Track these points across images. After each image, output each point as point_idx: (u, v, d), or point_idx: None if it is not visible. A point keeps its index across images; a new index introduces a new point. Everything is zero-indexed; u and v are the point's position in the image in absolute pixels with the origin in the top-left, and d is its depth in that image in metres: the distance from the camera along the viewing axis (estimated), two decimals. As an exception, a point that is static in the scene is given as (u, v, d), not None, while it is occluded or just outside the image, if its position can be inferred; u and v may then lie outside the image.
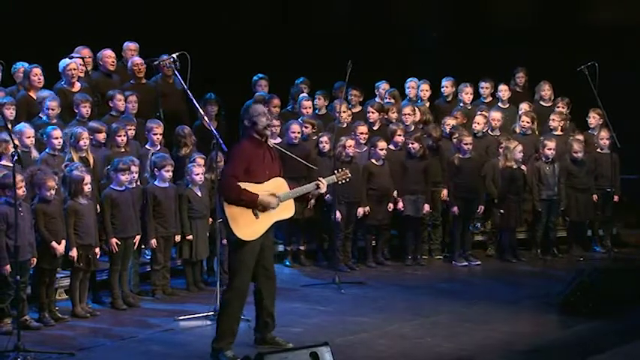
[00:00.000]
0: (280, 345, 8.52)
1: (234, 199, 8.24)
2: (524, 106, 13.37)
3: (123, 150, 10.83)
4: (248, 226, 8.30)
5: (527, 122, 13.07)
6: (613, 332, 9.18)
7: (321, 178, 8.75)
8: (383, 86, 13.71)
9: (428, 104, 13.62)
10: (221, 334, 8.44)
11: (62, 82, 11.73)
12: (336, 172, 8.95)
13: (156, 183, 10.58)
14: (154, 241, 10.52)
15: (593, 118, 13.29)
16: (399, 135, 12.36)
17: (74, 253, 9.65)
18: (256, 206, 8.29)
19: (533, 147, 12.86)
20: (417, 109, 13.08)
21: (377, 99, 13.48)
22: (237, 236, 8.26)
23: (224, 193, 8.31)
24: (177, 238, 10.73)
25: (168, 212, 10.60)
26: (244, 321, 9.56)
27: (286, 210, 8.54)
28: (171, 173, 10.62)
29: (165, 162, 10.57)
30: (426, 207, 12.18)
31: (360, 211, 12.05)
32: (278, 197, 8.41)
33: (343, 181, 8.97)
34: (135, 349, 8.84)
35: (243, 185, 8.28)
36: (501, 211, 12.45)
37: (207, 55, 12.31)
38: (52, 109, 10.91)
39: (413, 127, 12.76)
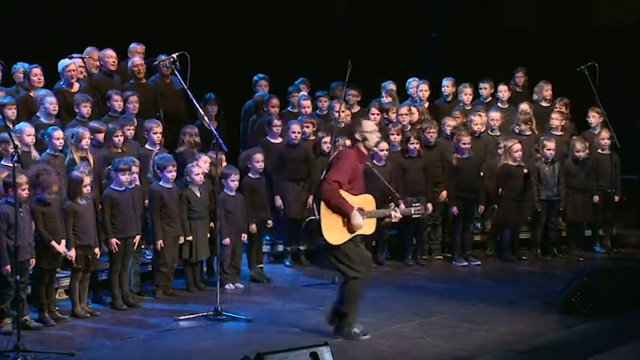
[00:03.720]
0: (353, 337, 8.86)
1: (333, 205, 8.65)
2: (523, 106, 13.38)
3: (120, 150, 10.83)
4: (334, 231, 8.70)
5: (526, 122, 13.07)
6: (613, 332, 9.17)
7: (396, 208, 9.11)
8: (389, 86, 13.71)
9: (427, 104, 13.62)
10: (350, 318, 8.86)
11: (61, 83, 11.73)
12: (413, 205, 9.23)
13: (161, 184, 10.59)
14: (160, 242, 10.52)
15: (593, 117, 13.29)
16: (393, 134, 12.35)
17: (73, 253, 9.65)
18: (347, 217, 8.65)
19: (531, 147, 12.87)
20: (413, 108, 13.07)
21: (383, 99, 13.46)
22: (324, 237, 8.66)
23: (325, 196, 8.64)
24: (182, 239, 10.73)
25: (173, 212, 10.61)
26: (245, 321, 9.60)
27: (369, 227, 8.89)
28: (174, 174, 10.62)
29: (167, 163, 10.57)
30: (429, 207, 12.16)
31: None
32: (364, 214, 8.77)
33: (417, 216, 9.40)
34: (135, 349, 8.84)
35: (343, 193, 8.65)
36: (495, 206, 12.46)
37: (207, 55, 12.31)
38: (50, 108, 10.91)
39: (410, 127, 12.76)
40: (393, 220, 9.26)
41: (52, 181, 9.37)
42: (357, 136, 8.89)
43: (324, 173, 8.83)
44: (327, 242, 8.69)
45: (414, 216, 9.35)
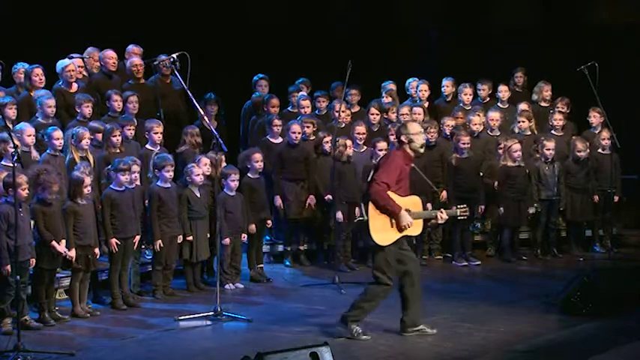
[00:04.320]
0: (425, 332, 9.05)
1: (381, 205, 8.77)
2: (522, 106, 13.38)
3: (118, 150, 10.83)
4: (382, 232, 8.83)
5: (525, 122, 13.08)
6: (613, 332, 9.17)
7: (442, 210, 9.19)
8: (389, 86, 13.71)
9: (427, 104, 13.61)
10: (358, 313, 8.99)
11: (60, 83, 11.73)
12: (458, 207, 9.34)
13: (159, 183, 10.59)
14: (159, 243, 10.52)
15: (594, 117, 13.30)
16: (392, 135, 12.35)
17: (73, 253, 9.65)
18: (396, 218, 8.77)
19: (531, 147, 12.87)
20: (418, 109, 13.06)
21: (383, 99, 13.46)
22: (372, 238, 8.81)
23: (374, 197, 8.78)
24: (180, 238, 10.73)
25: (172, 212, 10.61)
26: (245, 321, 9.60)
27: (415, 228, 8.99)
28: (171, 173, 10.63)
29: (164, 162, 10.57)
30: (429, 207, 12.13)
31: (358, 210, 12.06)
32: (411, 214, 8.86)
33: (463, 217, 9.51)
34: (135, 349, 8.84)
35: (391, 194, 8.77)
36: (501, 208, 12.46)
37: (207, 55, 12.31)
38: (49, 109, 10.91)
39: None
40: (439, 222, 9.35)
41: (53, 180, 9.38)
42: (403, 138, 8.99)
43: (371, 174, 8.95)
44: (376, 243, 8.82)
45: (459, 217, 9.47)
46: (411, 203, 8.95)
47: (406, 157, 8.98)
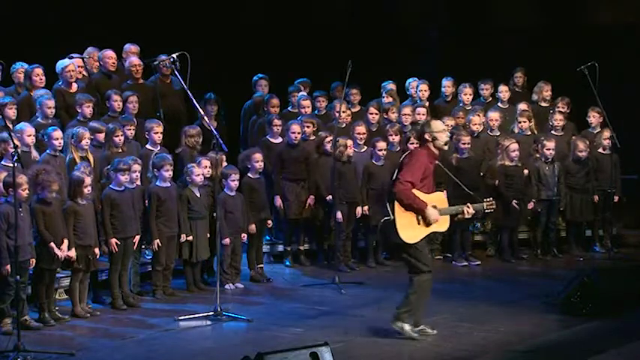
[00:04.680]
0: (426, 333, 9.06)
1: (406, 204, 8.81)
2: (521, 106, 13.38)
3: (121, 150, 10.83)
4: (409, 229, 8.86)
5: (525, 122, 13.08)
6: (613, 332, 9.17)
7: (469, 204, 9.20)
8: (389, 86, 13.71)
9: (427, 104, 13.61)
10: (408, 308, 8.98)
11: (59, 83, 11.73)
12: (485, 200, 9.38)
13: (157, 183, 10.59)
14: (157, 242, 10.52)
15: (593, 117, 13.30)
16: (391, 135, 12.36)
17: (73, 253, 9.65)
18: (422, 215, 8.83)
19: (531, 147, 12.87)
20: (422, 109, 13.06)
21: (383, 99, 13.46)
22: (400, 236, 8.83)
23: (399, 196, 8.80)
24: (183, 237, 10.72)
25: (171, 212, 10.61)
26: (245, 321, 9.60)
27: (443, 224, 9.04)
28: (170, 172, 10.63)
29: (163, 162, 10.57)
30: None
31: (359, 210, 12.06)
32: (438, 211, 8.91)
33: (490, 211, 9.50)
34: (135, 349, 8.84)
35: (416, 192, 8.81)
36: (516, 202, 12.42)
37: (207, 55, 12.31)
38: (48, 109, 10.91)
39: (411, 128, 12.76)
40: (466, 217, 9.33)
41: (52, 179, 9.38)
42: (426, 136, 9.02)
43: (395, 174, 8.97)
44: (404, 241, 8.85)
45: (486, 211, 9.47)
46: (436, 200, 8.98)
47: (430, 155, 9.01)
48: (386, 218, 8.86)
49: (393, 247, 9.25)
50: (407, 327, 8.95)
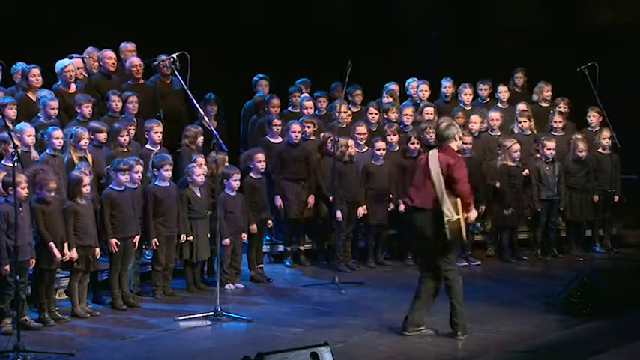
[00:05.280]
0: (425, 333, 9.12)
1: (467, 203, 8.99)
2: (521, 106, 13.38)
3: (126, 150, 10.83)
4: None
5: (525, 122, 13.08)
6: (613, 332, 9.18)
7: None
8: (391, 86, 13.70)
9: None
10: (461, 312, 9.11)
11: (59, 83, 11.72)
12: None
13: (156, 183, 10.59)
14: (154, 242, 10.52)
15: (593, 117, 13.30)
16: (389, 135, 12.36)
17: (74, 253, 9.65)
18: (470, 212, 9.07)
19: (531, 147, 12.87)
20: (429, 109, 13.06)
21: (384, 99, 13.46)
22: (464, 234, 9.02)
23: (466, 195, 8.96)
24: (183, 237, 10.72)
25: (169, 211, 10.60)
26: (245, 321, 9.60)
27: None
28: (170, 172, 10.63)
29: (163, 162, 10.57)
30: None
31: (360, 210, 12.07)
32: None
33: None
34: (135, 349, 8.84)
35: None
36: (512, 209, 12.43)
37: (207, 55, 12.31)
38: (51, 110, 10.91)
39: (412, 128, 12.77)
40: (471, 218, 9.37)
41: (50, 178, 9.38)
42: (457, 136, 9.17)
43: (439, 177, 8.93)
44: (465, 241, 9.21)
45: None
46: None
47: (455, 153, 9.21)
48: (447, 219, 8.83)
49: (430, 250, 9.08)
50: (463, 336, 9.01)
